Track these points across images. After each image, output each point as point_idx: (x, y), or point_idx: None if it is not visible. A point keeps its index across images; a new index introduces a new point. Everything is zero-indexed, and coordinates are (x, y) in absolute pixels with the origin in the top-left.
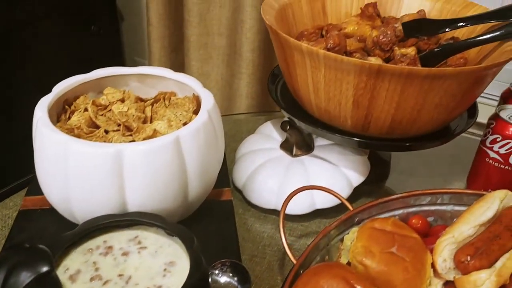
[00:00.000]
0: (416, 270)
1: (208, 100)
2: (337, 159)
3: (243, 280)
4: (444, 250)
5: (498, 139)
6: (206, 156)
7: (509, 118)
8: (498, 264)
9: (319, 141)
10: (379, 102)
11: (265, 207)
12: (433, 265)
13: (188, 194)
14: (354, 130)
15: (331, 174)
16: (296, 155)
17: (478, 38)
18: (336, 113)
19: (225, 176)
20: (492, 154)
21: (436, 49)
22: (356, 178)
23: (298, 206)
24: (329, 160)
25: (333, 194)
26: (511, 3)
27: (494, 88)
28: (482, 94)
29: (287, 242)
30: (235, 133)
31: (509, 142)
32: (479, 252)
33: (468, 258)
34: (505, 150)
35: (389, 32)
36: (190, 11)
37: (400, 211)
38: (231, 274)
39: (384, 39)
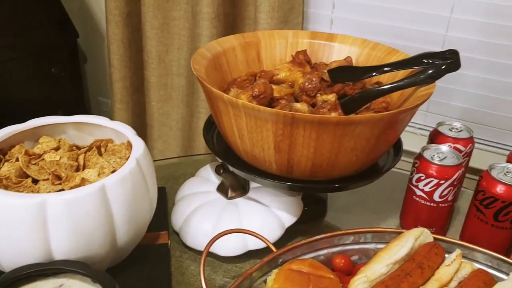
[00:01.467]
0: None
1: (138, 147)
2: (270, 201)
3: None
4: None
5: (422, 178)
6: (134, 203)
7: (431, 157)
8: None
9: (254, 183)
10: (298, 148)
11: (200, 249)
12: None
13: (117, 240)
14: (280, 173)
15: (263, 215)
16: (231, 198)
17: (386, 87)
18: (261, 157)
19: (164, 219)
20: (418, 192)
21: (355, 95)
22: (288, 218)
23: (231, 248)
24: (262, 202)
25: (257, 236)
26: (428, 51)
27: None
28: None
29: (206, 283)
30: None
31: (432, 181)
32: None
33: None
34: (429, 188)
35: (314, 79)
36: (149, 53)
37: (325, 251)
38: None
39: (310, 85)
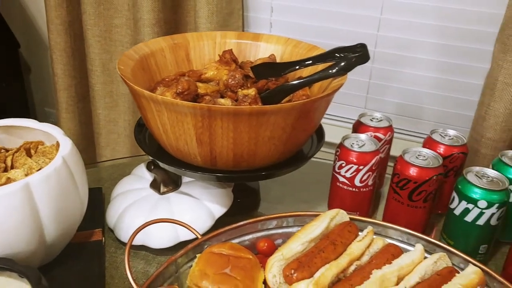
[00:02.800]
0: (246, 287)
1: (65, 147)
2: (200, 193)
3: None
4: (273, 267)
5: (343, 165)
6: (61, 200)
7: (351, 145)
8: (317, 274)
9: (186, 178)
10: (218, 139)
11: (134, 244)
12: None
13: (45, 237)
14: (205, 165)
15: (193, 207)
16: (163, 193)
17: (300, 81)
18: (186, 151)
19: (100, 217)
20: (341, 178)
21: (274, 89)
22: (218, 209)
23: (162, 240)
24: (193, 195)
25: (182, 225)
26: (340, 46)
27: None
28: None
29: (130, 272)
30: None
31: (352, 167)
32: (301, 265)
33: (292, 271)
34: (350, 174)
35: (237, 76)
36: (92, 61)
37: (250, 236)
38: None
39: (233, 82)
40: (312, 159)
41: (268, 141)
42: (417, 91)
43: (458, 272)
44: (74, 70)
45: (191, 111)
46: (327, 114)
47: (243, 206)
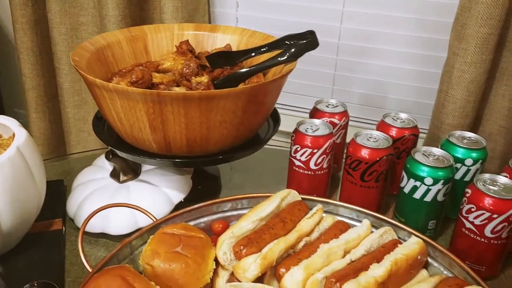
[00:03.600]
0: (197, 264)
1: (20, 137)
2: (159, 181)
3: None
4: (224, 244)
5: (298, 149)
6: (16, 190)
7: (305, 130)
8: (265, 249)
9: (145, 167)
10: (170, 124)
11: (93, 232)
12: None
13: (1, 226)
14: (161, 152)
15: (152, 194)
16: (123, 181)
17: (250, 68)
18: (141, 138)
19: (61, 207)
20: (297, 162)
21: (226, 77)
22: (177, 195)
23: (122, 227)
24: (151, 182)
25: (137, 209)
26: (291, 34)
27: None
28: None
29: (84, 254)
30: None
31: (306, 150)
32: (251, 242)
33: (242, 247)
34: (305, 158)
35: (191, 65)
36: (59, 60)
37: (205, 219)
38: None
39: (187, 70)
40: (273, 147)
41: (220, 125)
42: (381, 82)
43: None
44: (42, 69)
45: (142, 98)
46: (294, 106)
47: (203, 193)
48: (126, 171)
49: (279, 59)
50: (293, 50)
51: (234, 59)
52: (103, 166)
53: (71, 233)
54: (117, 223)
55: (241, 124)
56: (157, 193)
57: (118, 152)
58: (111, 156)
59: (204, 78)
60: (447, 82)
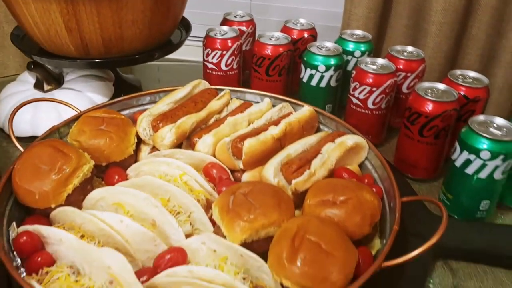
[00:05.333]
0: (120, 138)
1: None
2: (82, 87)
3: None
4: (143, 122)
5: (209, 52)
6: None
7: (215, 35)
8: (179, 121)
9: (69, 76)
10: (85, 25)
11: (25, 136)
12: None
13: None
14: (80, 55)
15: (76, 98)
16: (47, 91)
17: None
18: (58, 41)
19: None
20: (209, 65)
21: None
22: (100, 99)
23: (47, 125)
24: (76, 88)
25: (61, 102)
26: None
27: None
28: None
29: (14, 137)
30: None
31: (217, 53)
32: (166, 117)
33: (158, 122)
34: (216, 60)
35: None
36: None
37: (127, 112)
38: None
39: None
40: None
41: (132, 25)
42: (296, 8)
43: None
44: None
45: None
46: None
47: None
48: (49, 80)
49: None
50: None
51: None
52: (27, 80)
53: (1, 141)
54: (45, 123)
55: (152, 24)
56: (81, 97)
57: (39, 59)
58: (32, 66)
59: None
60: (350, 2)
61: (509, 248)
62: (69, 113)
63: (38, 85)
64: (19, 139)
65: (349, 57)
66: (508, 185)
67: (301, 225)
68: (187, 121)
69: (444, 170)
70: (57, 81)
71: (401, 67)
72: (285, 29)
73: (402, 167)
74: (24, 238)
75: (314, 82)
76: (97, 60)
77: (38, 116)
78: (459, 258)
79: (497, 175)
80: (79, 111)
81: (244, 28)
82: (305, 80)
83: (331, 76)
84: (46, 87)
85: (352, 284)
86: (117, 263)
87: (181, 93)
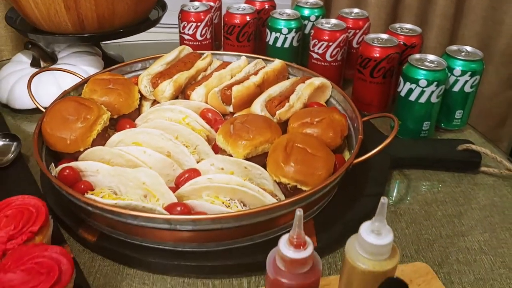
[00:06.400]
0: (126, 94)
1: None
2: (76, 61)
3: None
4: (143, 80)
5: (185, 25)
6: None
7: (189, 9)
8: (175, 77)
9: (61, 54)
10: (82, 2)
11: (28, 108)
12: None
13: None
14: (76, 31)
15: (74, 70)
16: (44, 67)
17: None
18: (57, 20)
19: None
20: (186, 37)
21: None
22: (93, 70)
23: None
24: (70, 63)
25: (65, 71)
26: None
27: None
28: None
29: (33, 97)
30: None
31: (192, 25)
32: (163, 75)
33: (157, 79)
34: (192, 31)
35: None
36: None
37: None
38: None
39: None
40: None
41: (122, 0)
42: None
43: None
44: None
45: None
46: None
47: None
48: (45, 58)
49: None
50: None
51: None
52: (21, 60)
53: (7, 113)
54: (45, 93)
55: (139, 1)
56: (77, 69)
57: (35, 37)
58: (30, 46)
59: None
60: None
61: (445, 154)
62: (68, 84)
63: (34, 63)
64: (22, 111)
65: (306, 22)
66: (442, 111)
67: (289, 138)
68: (181, 77)
69: (392, 108)
70: (52, 59)
71: (350, 25)
72: (249, 1)
73: (359, 106)
74: (67, 171)
75: (279, 44)
76: (91, 35)
77: (40, 87)
78: (410, 166)
79: (434, 99)
80: (83, 78)
81: (212, 3)
82: (270, 42)
83: (293, 38)
84: (42, 64)
85: (333, 175)
86: (151, 178)
87: (170, 56)
